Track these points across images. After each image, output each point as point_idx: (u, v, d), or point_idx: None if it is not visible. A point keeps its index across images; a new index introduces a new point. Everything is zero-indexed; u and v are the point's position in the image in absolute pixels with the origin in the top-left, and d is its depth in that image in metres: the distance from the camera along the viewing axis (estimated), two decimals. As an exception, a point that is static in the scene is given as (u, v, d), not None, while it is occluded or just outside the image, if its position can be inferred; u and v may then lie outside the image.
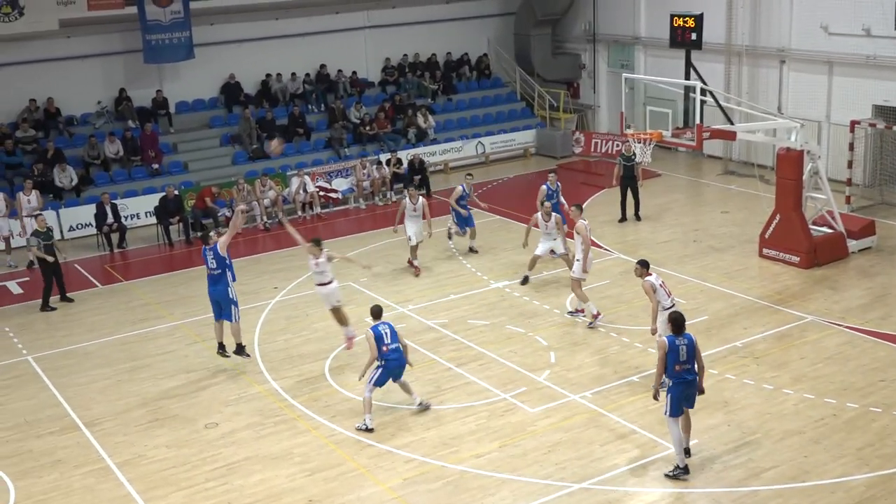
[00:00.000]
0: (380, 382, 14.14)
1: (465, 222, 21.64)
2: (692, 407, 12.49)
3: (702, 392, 12.58)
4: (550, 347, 16.67)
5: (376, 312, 14.50)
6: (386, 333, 14.12)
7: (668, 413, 12.30)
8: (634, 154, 22.64)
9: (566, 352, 16.46)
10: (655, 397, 12.51)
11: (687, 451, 12.68)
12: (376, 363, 14.03)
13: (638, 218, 23.73)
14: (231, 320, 16.13)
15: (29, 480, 13.31)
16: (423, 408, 14.56)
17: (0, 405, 15.71)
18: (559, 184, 21.40)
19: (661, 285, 14.69)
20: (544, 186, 21.02)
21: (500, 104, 33.23)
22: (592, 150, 31.22)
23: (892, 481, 12.16)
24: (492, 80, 34.21)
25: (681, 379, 12.17)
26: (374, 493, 12.49)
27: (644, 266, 14.83)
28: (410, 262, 20.99)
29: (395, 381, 14.29)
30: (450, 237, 22.14)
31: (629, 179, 23.45)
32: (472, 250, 21.84)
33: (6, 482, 13.29)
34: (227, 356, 16.42)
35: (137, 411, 15.24)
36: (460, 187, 21.67)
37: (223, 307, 16.14)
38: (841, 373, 15.21)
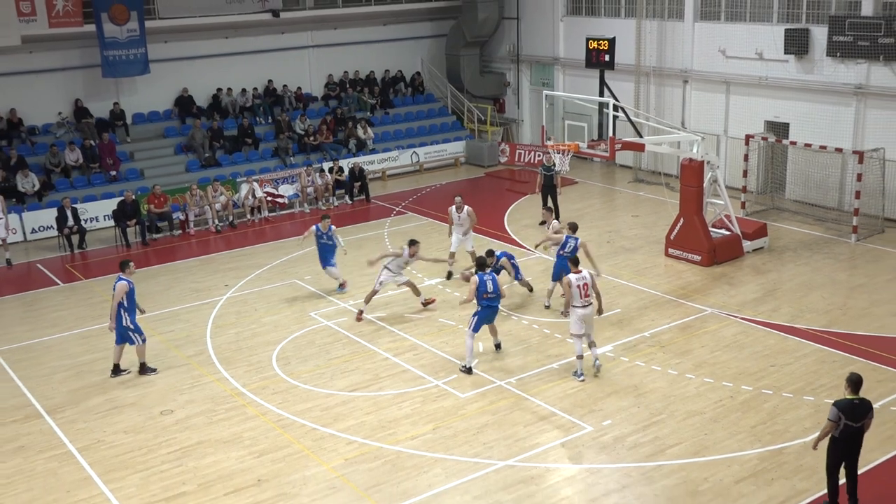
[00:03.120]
0: (476, 328, 15.23)
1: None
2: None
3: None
4: (478, 338, 16.68)
5: (481, 263, 15.61)
6: (488, 282, 15.08)
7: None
8: (554, 164, 22.89)
9: (492, 342, 16.52)
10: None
11: (497, 346, 15.92)
12: (475, 308, 15.20)
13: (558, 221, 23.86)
14: (136, 344, 15.69)
15: (-7, 466, 13.01)
16: (497, 347, 15.98)
17: (-35, 396, 15.31)
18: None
19: (580, 286, 14.62)
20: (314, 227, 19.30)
21: (433, 117, 33.24)
22: (517, 159, 31.40)
23: (781, 455, 12.46)
24: (425, 96, 34.21)
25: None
26: (319, 473, 12.44)
27: (574, 263, 15.05)
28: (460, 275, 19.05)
29: (487, 324, 15.48)
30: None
31: (549, 188, 23.61)
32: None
33: (-28, 467, 12.98)
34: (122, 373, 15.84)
35: (96, 399, 14.94)
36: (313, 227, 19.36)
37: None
38: (737, 359, 15.53)
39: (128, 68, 27.38)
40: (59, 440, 13.65)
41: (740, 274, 19.79)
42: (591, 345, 15.06)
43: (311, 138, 29.61)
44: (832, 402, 10.90)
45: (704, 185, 20.39)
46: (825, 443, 10.92)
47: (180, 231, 24.78)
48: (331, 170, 27.57)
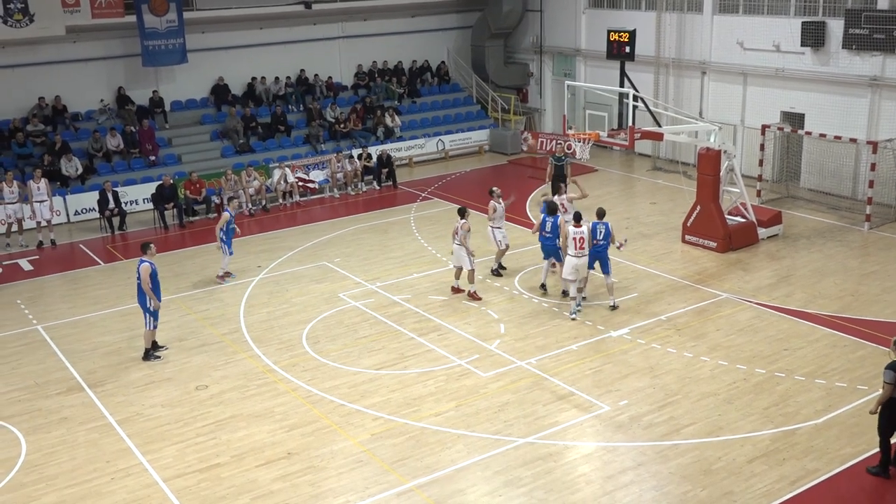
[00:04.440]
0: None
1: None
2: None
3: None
4: (500, 320, 16.70)
5: (552, 208, 17.50)
6: (548, 223, 17.26)
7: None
8: (564, 155, 22.83)
9: (514, 324, 16.50)
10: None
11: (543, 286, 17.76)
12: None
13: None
14: (145, 327, 15.64)
15: (39, 435, 13.12)
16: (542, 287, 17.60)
17: (13, 369, 15.46)
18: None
19: (576, 238, 16.25)
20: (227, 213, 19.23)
21: (458, 107, 33.10)
22: (539, 148, 31.25)
23: (793, 436, 12.35)
24: (451, 86, 34.05)
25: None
26: (346, 447, 12.47)
27: (577, 219, 16.56)
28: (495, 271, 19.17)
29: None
30: None
31: (559, 178, 23.34)
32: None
33: (18, 437, 13.11)
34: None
35: (136, 374, 15.07)
36: (226, 213, 19.32)
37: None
38: (751, 343, 15.40)
39: (167, 58, 27.45)
40: (99, 412, 13.78)
41: (755, 260, 19.60)
42: (580, 290, 16.76)
43: (341, 126, 29.58)
44: (886, 370, 10.83)
45: (721, 173, 20.20)
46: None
47: (215, 214, 24.86)
48: (360, 156, 27.55)
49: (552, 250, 17.51)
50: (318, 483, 11.64)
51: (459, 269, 17.96)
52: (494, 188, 19.20)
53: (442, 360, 15.12)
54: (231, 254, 19.29)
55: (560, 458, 12.06)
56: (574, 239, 16.31)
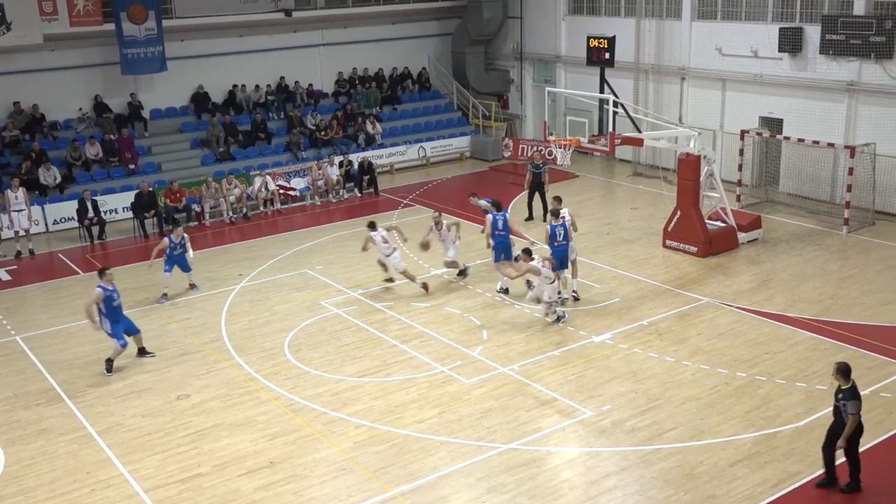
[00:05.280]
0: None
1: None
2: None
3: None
4: (483, 326, 16.72)
5: (555, 213, 17.66)
6: (559, 233, 17.19)
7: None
8: (542, 162, 22.92)
9: (496, 330, 16.52)
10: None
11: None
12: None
13: (545, 219, 23.45)
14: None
15: (18, 447, 13.00)
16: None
17: (-10, 380, 15.35)
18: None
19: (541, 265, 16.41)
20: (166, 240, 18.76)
21: (439, 113, 33.14)
22: (519, 154, 31.30)
23: (775, 439, 12.42)
24: (432, 93, 34.10)
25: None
26: (329, 455, 12.44)
27: (527, 253, 16.46)
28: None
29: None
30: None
31: (537, 185, 23.41)
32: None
33: (-4, 449, 13.02)
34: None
35: (116, 384, 14.96)
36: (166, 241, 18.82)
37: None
38: (731, 347, 15.48)
39: (146, 66, 27.33)
40: (79, 423, 13.67)
41: (735, 264, 19.72)
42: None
43: (322, 133, 29.56)
44: (854, 400, 10.72)
45: (701, 178, 20.29)
46: (824, 429, 10.86)
47: (196, 222, 24.79)
48: (341, 164, 27.53)
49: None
50: (301, 492, 11.60)
51: (453, 263, 19.01)
52: (436, 214, 19.18)
53: (425, 366, 15.10)
54: (168, 271, 18.72)
55: (543, 463, 12.07)
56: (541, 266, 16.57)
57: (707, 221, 20.56)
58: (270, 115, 30.03)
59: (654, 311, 17.14)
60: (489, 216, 18.21)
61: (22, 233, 22.51)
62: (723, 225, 20.81)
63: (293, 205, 26.42)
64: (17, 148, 25.69)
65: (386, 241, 18.51)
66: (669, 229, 20.78)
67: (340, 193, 27.12)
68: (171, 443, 12.95)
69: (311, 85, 31.46)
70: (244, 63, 30.08)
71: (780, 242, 21.08)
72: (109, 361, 15.45)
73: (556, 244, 17.22)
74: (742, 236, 20.88)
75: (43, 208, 24.32)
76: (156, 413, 13.89)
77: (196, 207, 24.84)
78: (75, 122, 27.33)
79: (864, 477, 11.18)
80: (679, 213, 20.51)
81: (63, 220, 24.53)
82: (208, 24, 28.58)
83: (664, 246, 20.88)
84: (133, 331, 15.77)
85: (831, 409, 11.11)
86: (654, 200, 24.91)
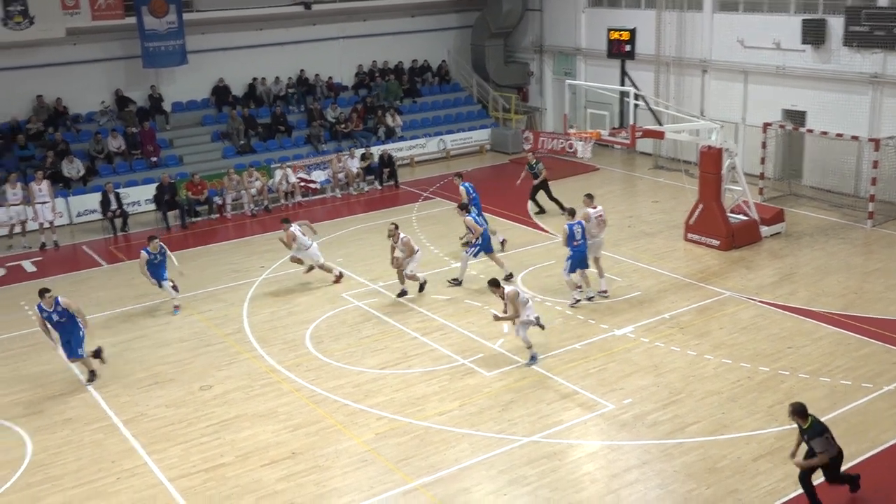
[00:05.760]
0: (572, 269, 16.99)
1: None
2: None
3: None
4: (503, 319, 16.68)
5: (572, 212, 17.15)
6: (577, 232, 16.71)
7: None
8: (536, 161, 22.90)
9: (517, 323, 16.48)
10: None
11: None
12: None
13: (562, 211, 23.01)
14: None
15: (44, 435, 13.16)
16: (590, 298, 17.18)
17: (17, 370, 15.49)
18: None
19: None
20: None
21: (459, 106, 33.11)
22: (539, 146, 31.23)
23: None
24: (451, 85, 34.06)
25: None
26: (350, 446, 12.49)
27: (495, 285, 14.76)
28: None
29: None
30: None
31: (539, 185, 23.25)
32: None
33: (24, 437, 13.14)
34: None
35: (139, 375, 15.09)
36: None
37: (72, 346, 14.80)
38: (754, 341, 15.40)
39: (167, 59, 27.47)
40: (104, 413, 13.80)
41: (758, 258, 19.59)
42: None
43: (343, 126, 29.60)
44: (818, 438, 10.21)
45: (723, 171, 20.19)
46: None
47: (218, 214, 24.92)
48: (363, 156, 27.58)
49: (581, 258, 16.95)
50: (323, 482, 11.66)
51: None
52: (392, 225, 18.35)
53: (445, 359, 15.12)
54: (163, 282, 17.80)
55: (564, 456, 12.07)
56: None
57: (729, 215, 20.44)
58: (290, 107, 30.10)
59: (676, 305, 17.08)
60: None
61: (46, 225, 22.73)
62: (745, 218, 20.68)
63: (314, 197, 26.49)
64: (41, 141, 25.90)
65: (304, 235, 18.68)
66: (691, 222, 20.68)
67: (361, 186, 27.17)
68: (195, 433, 13.05)
69: (330, 78, 31.50)
70: (264, 56, 30.16)
71: (803, 236, 20.93)
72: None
73: (574, 244, 16.82)
74: (765, 230, 20.74)
75: (67, 201, 24.53)
76: (179, 403, 14.00)
77: (217, 200, 24.97)
78: (98, 115, 27.51)
79: (890, 473, 11.10)
80: (701, 206, 20.40)
81: (87, 212, 24.72)
82: (228, 17, 28.68)
83: (686, 239, 20.78)
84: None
85: (855, 404, 11.03)
86: (675, 193, 24.78)
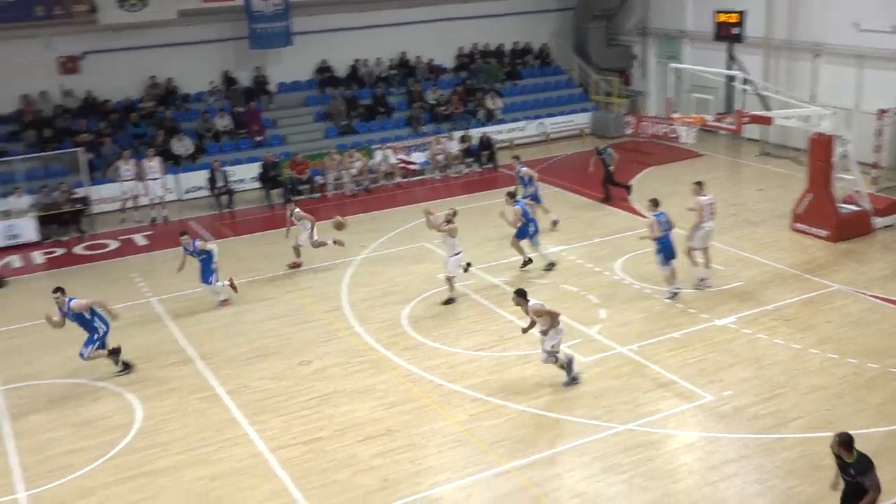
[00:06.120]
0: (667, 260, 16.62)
1: None
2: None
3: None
4: (600, 305, 16.54)
5: (655, 203, 16.81)
6: (662, 223, 16.43)
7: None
8: (604, 147, 22.61)
9: (615, 309, 16.32)
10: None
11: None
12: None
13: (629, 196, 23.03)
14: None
15: (153, 403, 13.70)
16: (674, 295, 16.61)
17: (127, 340, 16.09)
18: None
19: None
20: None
21: (560, 89, 32.79)
22: (639, 131, 30.68)
23: (908, 433, 11.89)
24: (552, 68, 33.73)
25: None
26: (444, 426, 12.59)
27: (522, 296, 13.64)
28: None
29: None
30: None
31: (609, 172, 22.98)
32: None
33: (134, 403, 13.70)
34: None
35: (242, 348, 15.53)
36: None
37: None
38: (863, 336, 14.83)
39: (273, 40, 28.04)
40: (208, 383, 14.26)
41: (870, 251, 18.85)
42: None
43: (443, 108, 29.69)
44: (870, 473, 9.02)
45: (834, 159, 19.47)
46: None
47: (319, 194, 25.37)
48: (462, 138, 27.63)
49: (669, 248, 16.63)
50: (419, 460, 11.79)
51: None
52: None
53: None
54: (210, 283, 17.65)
55: (661, 446, 11.90)
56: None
57: (839, 205, 19.71)
58: (391, 89, 30.34)
59: (780, 297, 16.58)
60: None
61: (157, 200, 23.59)
62: (856, 209, 19.90)
63: (413, 178, 26.68)
64: (153, 119, 26.83)
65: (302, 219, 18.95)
66: (799, 212, 20.03)
67: (460, 168, 27.24)
68: (295, 406, 13.37)
69: (431, 60, 31.59)
70: (366, 38, 30.45)
71: (918, 229, 20.05)
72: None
73: (660, 234, 16.40)
74: (878, 221, 19.92)
75: (176, 177, 25.37)
76: (280, 377, 14.36)
77: (319, 179, 25.42)
78: (206, 94, 28.30)
79: None
80: (810, 195, 19.73)
81: (194, 188, 25.52)
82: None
83: (792, 229, 20.13)
84: None
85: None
86: (782, 181, 24.02)
